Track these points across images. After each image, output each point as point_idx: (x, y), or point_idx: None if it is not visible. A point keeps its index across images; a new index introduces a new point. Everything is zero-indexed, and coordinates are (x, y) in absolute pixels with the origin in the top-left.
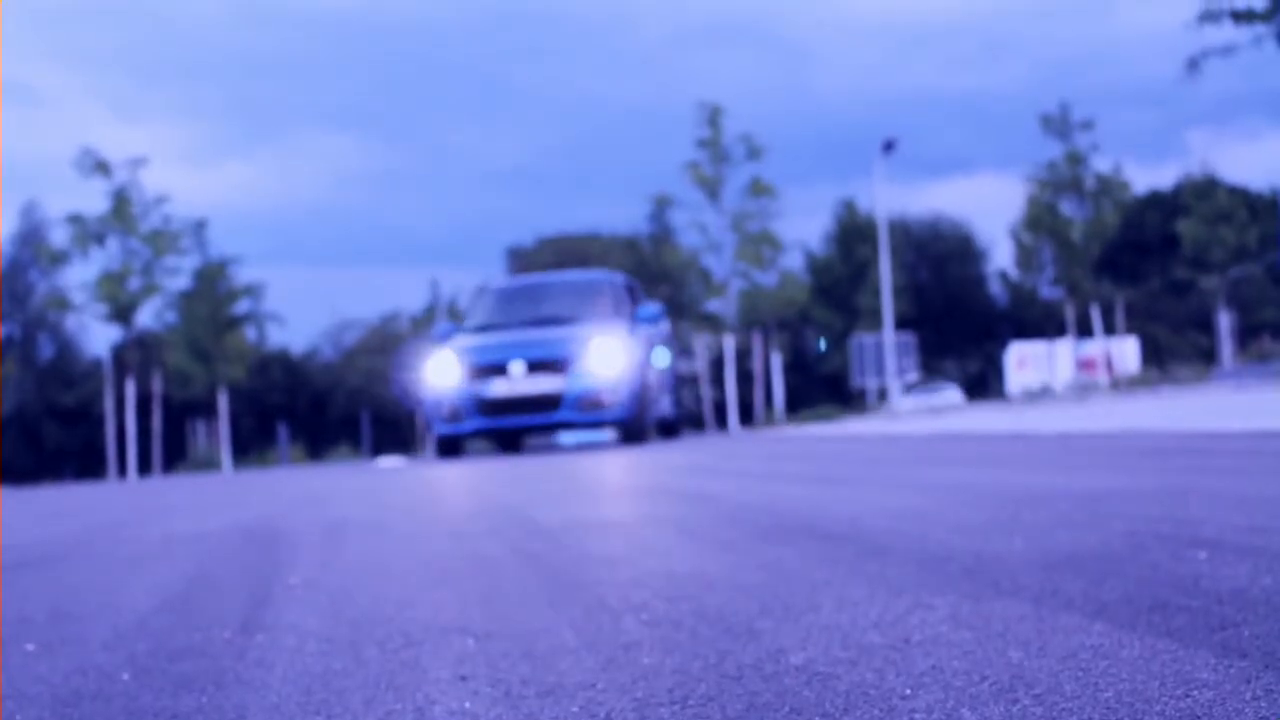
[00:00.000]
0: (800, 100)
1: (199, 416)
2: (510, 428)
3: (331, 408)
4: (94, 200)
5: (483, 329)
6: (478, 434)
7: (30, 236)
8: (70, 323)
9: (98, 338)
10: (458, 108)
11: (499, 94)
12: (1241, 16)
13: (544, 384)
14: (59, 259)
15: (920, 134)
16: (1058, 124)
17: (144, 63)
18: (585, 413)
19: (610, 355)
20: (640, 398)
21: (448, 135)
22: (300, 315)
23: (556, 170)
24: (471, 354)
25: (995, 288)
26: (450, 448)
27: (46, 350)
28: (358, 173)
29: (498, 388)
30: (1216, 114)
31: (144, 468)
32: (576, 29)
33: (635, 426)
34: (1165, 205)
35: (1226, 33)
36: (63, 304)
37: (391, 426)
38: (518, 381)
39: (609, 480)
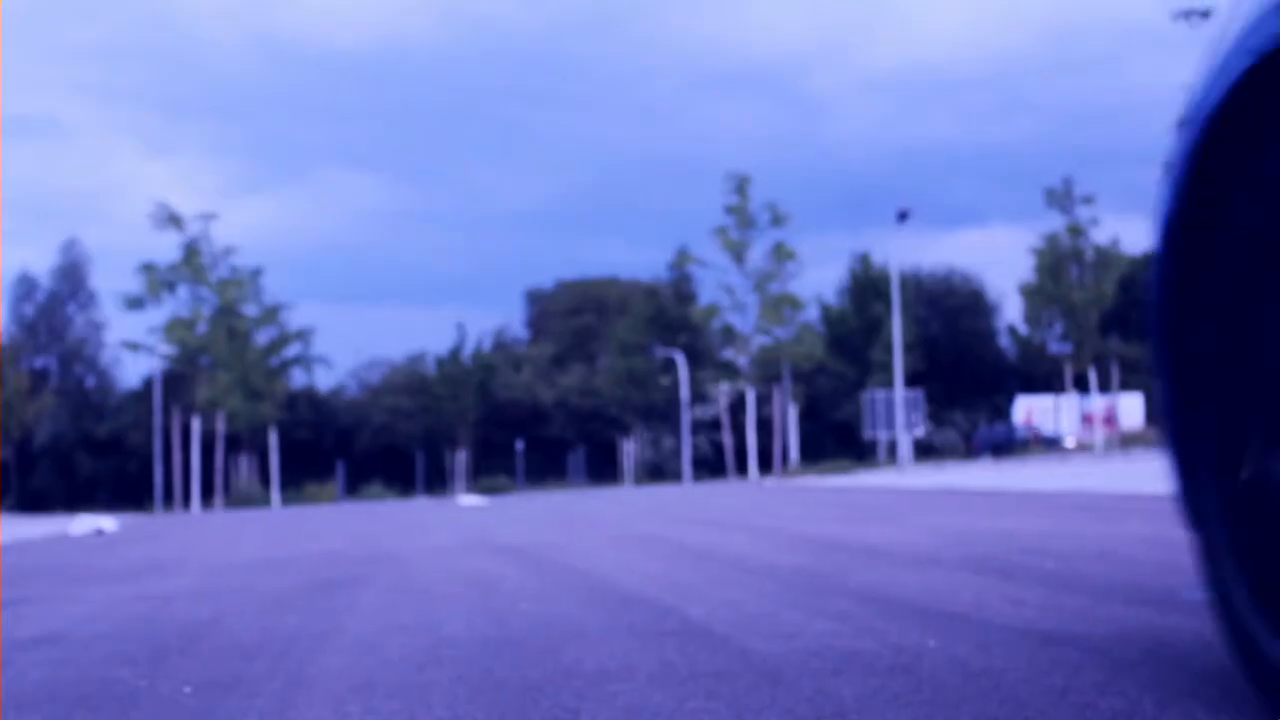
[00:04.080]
0: (815, 149)
1: (239, 451)
2: None
3: (357, 445)
4: (109, 232)
5: None
6: None
7: (70, 271)
8: (105, 356)
9: (130, 371)
10: (479, 149)
11: (519, 137)
12: None
13: None
14: (135, 304)
15: (934, 186)
16: (1060, 198)
17: (173, 100)
18: None
19: None
20: None
21: (468, 176)
22: (324, 352)
23: (573, 213)
24: None
25: (1005, 341)
26: None
27: (84, 382)
28: (380, 211)
29: None
30: None
31: (184, 500)
32: (596, 75)
33: None
34: None
35: None
36: (134, 347)
37: (404, 462)
38: None
39: None
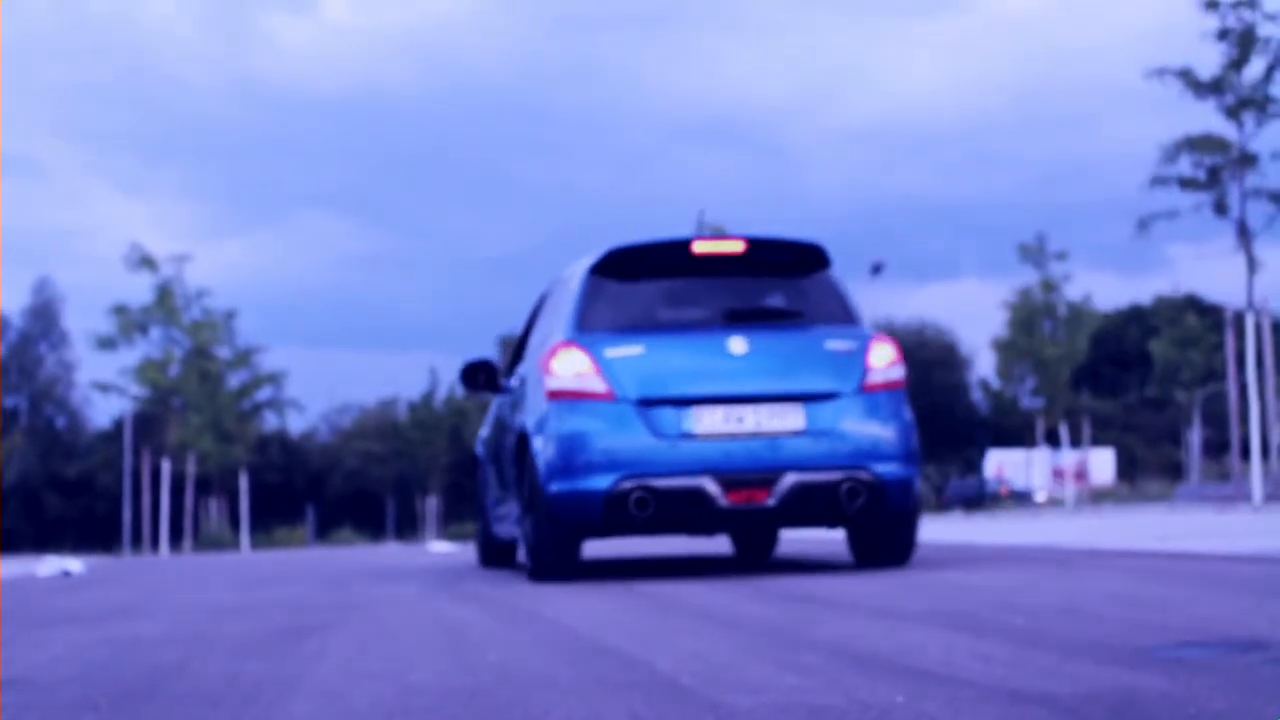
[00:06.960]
0: (790, 201)
1: (209, 494)
2: None
3: (328, 489)
4: (82, 272)
5: None
6: None
7: (42, 311)
8: (76, 396)
9: (100, 411)
10: (455, 196)
11: (496, 184)
12: (1187, 184)
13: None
14: (107, 345)
15: (908, 239)
16: (1033, 253)
17: (149, 141)
18: None
19: None
20: None
21: (444, 222)
22: (296, 395)
23: (549, 261)
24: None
25: (977, 395)
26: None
27: (54, 422)
28: (355, 256)
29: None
30: (1195, 230)
31: (153, 543)
32: (573, 125)
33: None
34: (1144, 320)
35: (1174, 197)
36: (105, 388)
37: (375, 507)
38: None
39: None
